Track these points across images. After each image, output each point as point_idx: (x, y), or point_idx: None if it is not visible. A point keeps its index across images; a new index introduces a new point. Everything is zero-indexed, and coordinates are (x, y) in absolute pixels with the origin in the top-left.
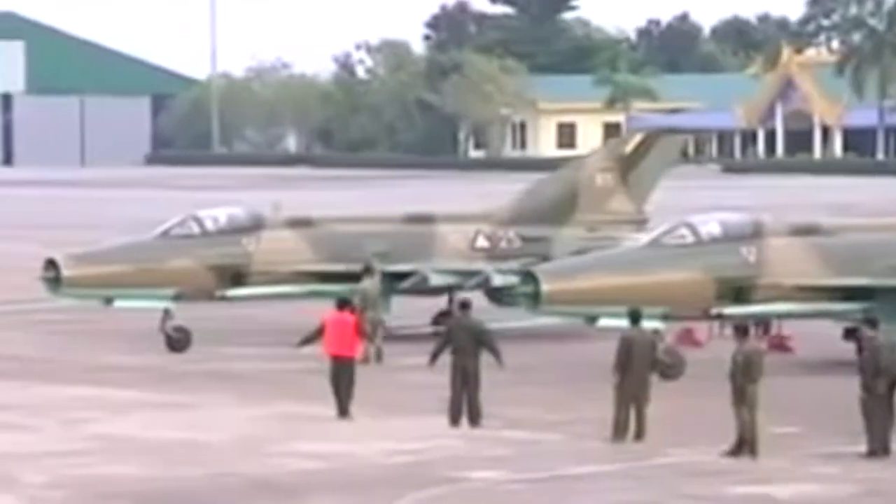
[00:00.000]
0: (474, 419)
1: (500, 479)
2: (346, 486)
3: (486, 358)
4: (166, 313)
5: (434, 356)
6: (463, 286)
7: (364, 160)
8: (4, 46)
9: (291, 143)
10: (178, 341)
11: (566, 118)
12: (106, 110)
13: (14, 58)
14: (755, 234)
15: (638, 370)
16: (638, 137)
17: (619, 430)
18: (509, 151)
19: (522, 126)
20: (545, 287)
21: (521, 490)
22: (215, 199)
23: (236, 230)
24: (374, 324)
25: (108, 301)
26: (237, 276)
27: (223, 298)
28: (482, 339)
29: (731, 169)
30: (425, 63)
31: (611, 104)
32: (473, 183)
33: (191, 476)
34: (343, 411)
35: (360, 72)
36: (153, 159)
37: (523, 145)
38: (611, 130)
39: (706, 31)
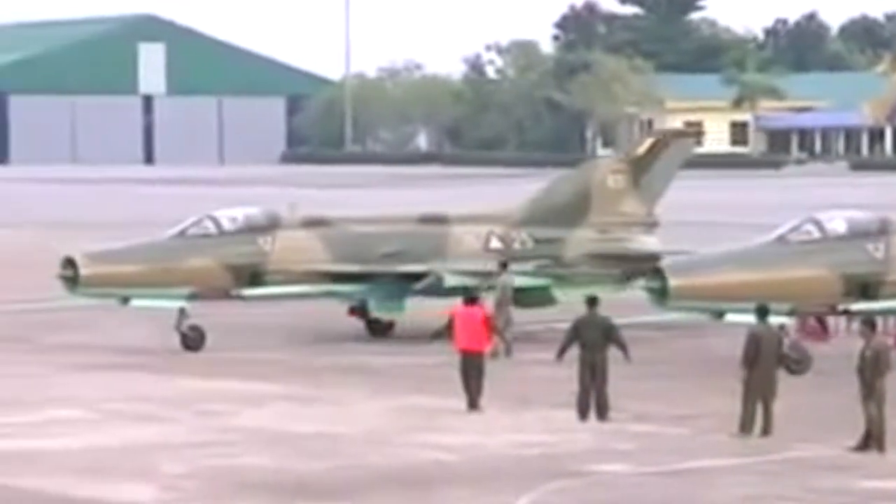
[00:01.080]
0: (602, 413)
1: (627, 473)
2: (476, 479)
3: (613, 352)
4: (182, 312)
5: (562, 351)
6: (479, 287)
7: (493, 158)
8: (146, 49)
9: (422, 142)
10: (192, 340)
11: (693, 117)
12: (243, 110)
13: (155, 60)
14: (882, 231)
15: (765, 365)
16: (650, 140)
17: (745, 425)
18: None
19: (650, 124)
20: (673, 283)
21: (647, 483)
22: (347, 196)
23: (252, 230)
24: (508, 318)
25: (125, 300)
26: (254, 276)
27: (239, 298)
28: (610, 334)
29: (858, 166)
30: (554, 63)
31: (738, 103)
32: None
33: (323, 468)
34: (473, 404)
35: (490, 72)
36: (288, 158)
37: None
38: (738, 129)
39: (834, 30)
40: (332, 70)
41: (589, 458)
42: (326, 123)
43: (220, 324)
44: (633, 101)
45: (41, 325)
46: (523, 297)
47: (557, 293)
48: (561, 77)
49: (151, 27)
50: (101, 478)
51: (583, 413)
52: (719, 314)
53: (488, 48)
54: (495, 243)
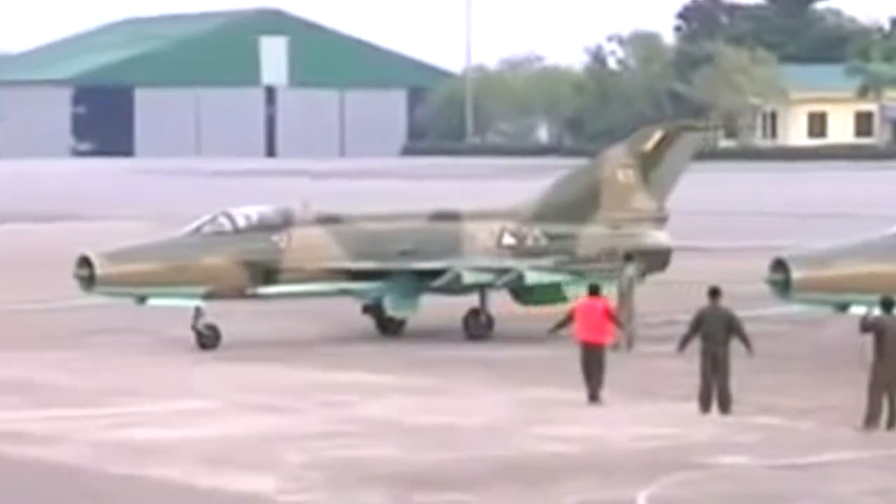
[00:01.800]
0: (724, 405)
1: (749, 465)
2: (597, 470)
3: (735, 345)
4: (197, 311)
5: (684, 343)
6: (495, 284)
7: None
8: (269, 42)
9: (543, 134)
10: (207, 338)
11: (817, 107)
12: (364, 103)
13: (278, 53)
14: None
15: (891, 358)
16: (658, 134)
17: (871, 418)
18: (759, 141)
19: (773, 115)
20: (796, 275)
21: (770, 476)
22: (468, 188)
23: (267, 227)
24: (631, 310)
25: (141, 300)
26: (269, 274)
27: (254, 296)
28: (732, 326)
29: None
30: (675, 54)
31: (863, 93)
32: (723, 172)
33: (445, 459)
34: (594, 396)
35: (612, 63)
36: (409, 150)
37: (774, 134)
38: (862, 120)
39: None
40: (453, 62)
41: (711, 450)
42: (447, 116)
43: (328, 316)
44: (757, 93)
45: (162, 318)
46: (533, 295)
47: (568, 290)
48: (683, 68)
49: (274, 20)
50: (225, 468)
51: (705, 405)
52: (843, 306)
53: (610, 39)
54: (508, 239)
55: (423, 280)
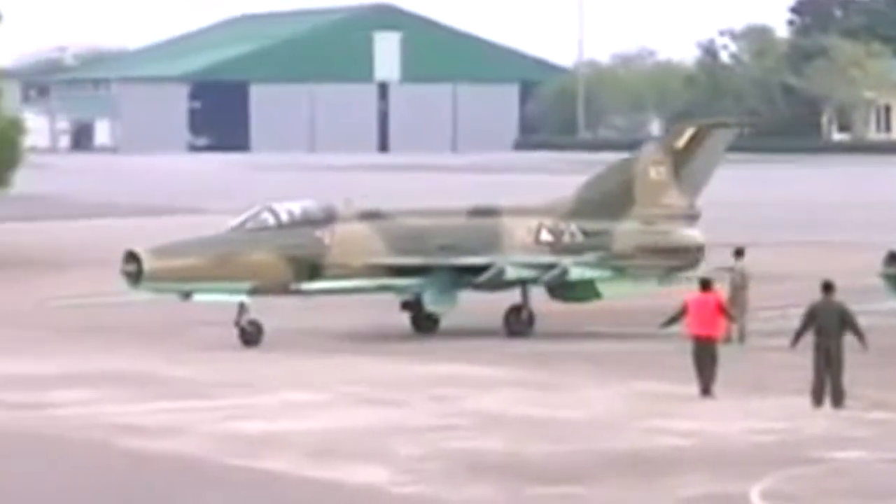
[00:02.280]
0: (837, 400)
1: (864, 460)
2: (709, 464)
3: (849, 339)
4: (242, 307)
5: (797, 337)
6: (538, 280)
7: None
8: (382, 37)
9: (655, 128)
10: (250, 335)
11: None
12: (476, 98)
13: (391, 48)
14: None
15: None
16: (690, 131)
17: None
18: (873, 134)
19: (887, 109)
20: None
21: (885, 471)
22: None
23: (310, 222)
24: (743, 304)
25: (187, 295)
26: (313, 269)
27: (298, 292)
28: (846, 321)
29: None
30: (789, 47)
31: None
32: (837, 166)
33: (555, 452)
34: (706, 390)
35: (724, 57)
36: (520, 145)
37: (888, 128)
38: None
39: None
40: (565, 57)
41: (824, 445)
42: (559, 111)
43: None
44: (871, 86)
45: (268, 311)
46: (570, 291)
47: (602, 288)
48: (796, 62)
49: (387, 16)
50: (337, 460)
51: (818, 400)
52: None
53: (722, 33)
54: (546, 236)
55: (464, 276)
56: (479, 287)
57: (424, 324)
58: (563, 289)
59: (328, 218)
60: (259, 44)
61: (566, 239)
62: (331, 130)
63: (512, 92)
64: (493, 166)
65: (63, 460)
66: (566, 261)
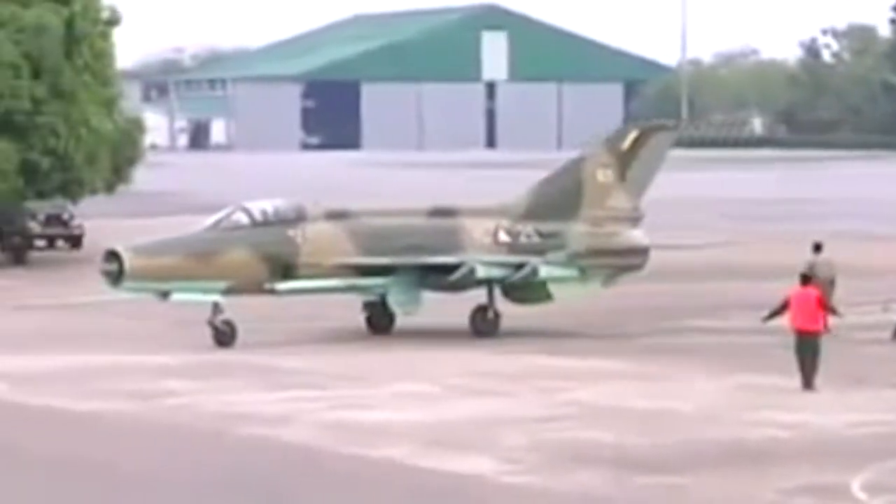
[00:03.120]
0: None
1: None
2: (811, 456)
3: None
4: (216, 306)
5: None
6: (510, 278)
7: (827, 142)
8: (489, 37)
9: (757, 126)
10: (224, 334)
11: None
12: (581, 96)
13: (498, 48)
14: None
15: None
16: (633, 133)
17: None
18: None
19: None
20: None
21: None
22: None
23: (282, 222)
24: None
25: (165, 295)
26: (286, 269)
27: (272, 292)
28: None
29: None
30: (890, 46)
31: None
32: None
33: (662, 443)
34: (808, 384)
35: (826, 56)
36: None
37: None
38: None
39: None
40: (668, 56)
41: None
42: (662, 109)
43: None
44: None
45: (351, 305)
46: (523, 292)
47: (552, 289)
48: None
49: (494, 16)
50: (445, 449)
51: None
52: None
53: (825, 32)
54: (503, 237)
55: (428, 276)
56: (448, 287)
57: (380, 323)
58: (518, 290)
59: (298, 217)
60: (371, 44)
61: (523, 240)
62: (439, 129)
63: (616, 91)
64: None
65: (178, 448)
66: (535, 260)
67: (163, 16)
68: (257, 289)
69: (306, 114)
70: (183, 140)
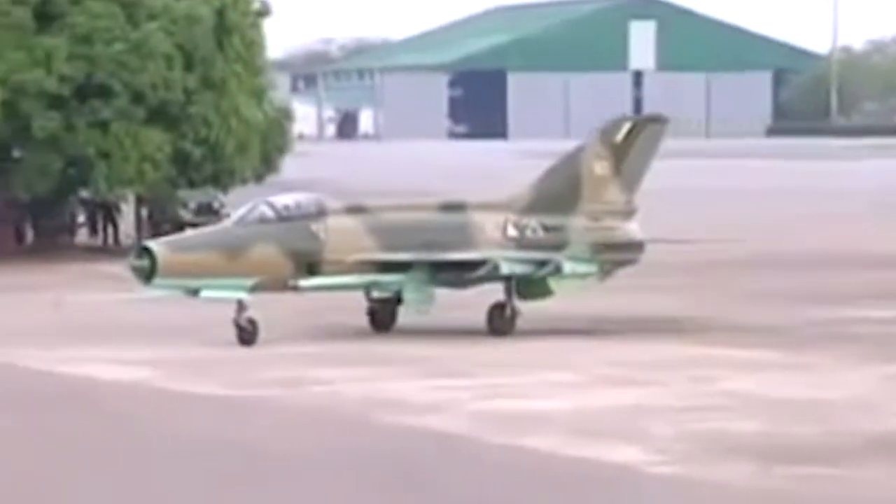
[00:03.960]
0: None
1: None
2: None
3: None
4: (241, 304)
5: None
6: (535, 275)
7: None
8: (637, 26)
9: None
10: (247, 332)
11: None
12: (729, 85)
13: (646, 37)
14: None
15: None
16: (627, 125)
17: None
18: None
19: None
20: None
21: None
22: (831, 169)
23: (305, 216)
24: None
25: (195, 292)
26: (311, 265)
27: (295, 289)
28: None
29: None
30: None
31: None
32: None
33: (811, 433)
34: None
35: None
36: (774, 131)
37: None
38: None
39: None
40: (818, 44)
41: None
42: (812, 97)
43: (693, 293)
44: None
45: (493, 294)
46: (529, 288)
47: (553, 284)
48: None
49: (642, 5)
50: (591, 439)
51: None
52: None
53: None
54: (512, 231)
55: (441, 272)
56: (461, 284)
57: (385, 320)
58: (521, 285)
59: (320, 212)
60: (517, 33)
61: (529, 234)
62: (586, 118)
63: (765, 80)
64: (744, 152)
65: (325, 435)
66: (558, 256)
67: (311, 7)
68: (282, 286)
69: (453, 103)
70: (331, 130)
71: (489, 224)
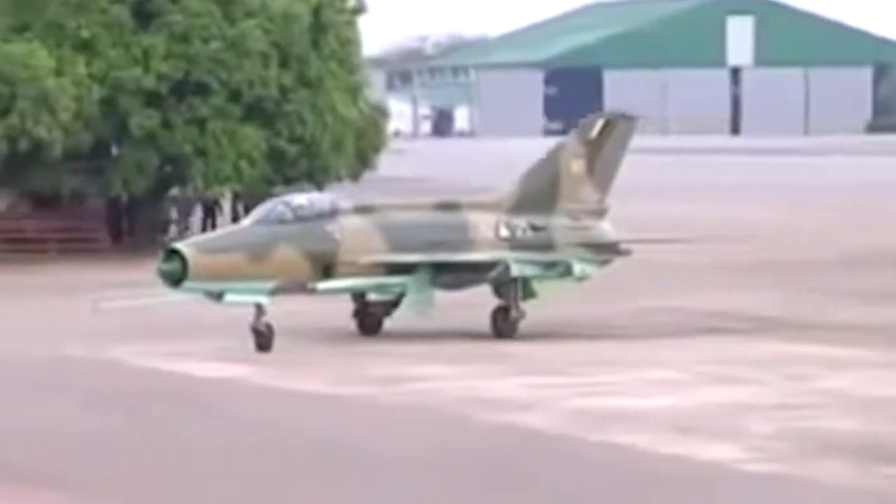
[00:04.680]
0: None
1: None
2: None
3: None
4: (259, 308)
5: None
6: (545, 277)
7: None
8: (735, 22)
9: None
10: (264, 337)
11: None
12: (828, 81)
13: (744, 33)
14: None
15: None
16: (600, 122)
17: None
18: None
19: None
20: None
21: None
22: None
23: (319, 216)
24: None
25: (219, 296)
26: (327, 267)
27: (313, 291)
28: None
29: None
30: None
31: None
32: None
33: None
34: None
35: None
36: (874, 127)
37: None
38: None
39: None
40: None
41: None
42: None
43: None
44: None
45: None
46: (510, 290)
47: (537, 287)
48: None
49: (740, 1)
50: (690, 436)
51: None
52: None
53: None
54: (504, 231)
55: (441, 274)
56: (457, 285)
57: (373, 323)
58: (507, 286)
59: (333, 211)
60: (612, 30)
61: (519, 234)
62: (683, 115)
63: (865, 75)
64: (843, 148)
65: (424, 432)
66: (566, 257)
67: (407, 4)
68: (300, 288)
69: (548, 100)
70: (426, 127)
71: (483, 224)
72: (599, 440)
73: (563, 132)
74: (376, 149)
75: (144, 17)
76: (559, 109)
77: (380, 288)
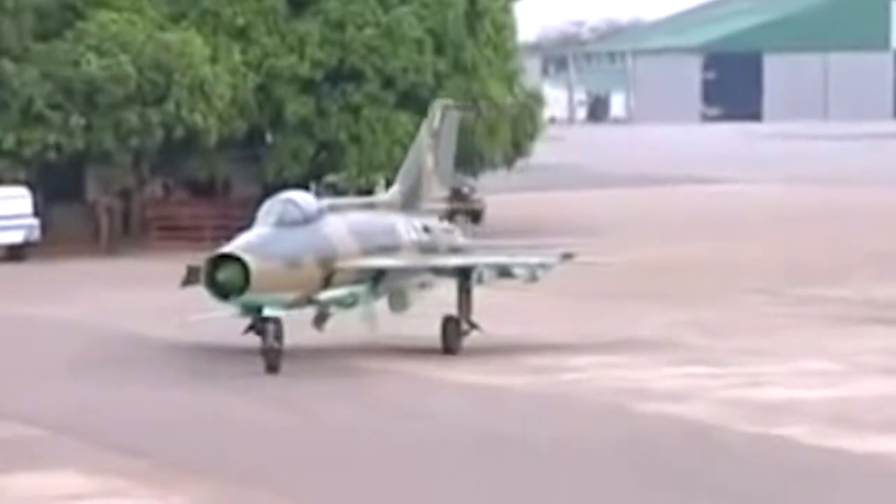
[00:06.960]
0: None
1: None
2: None
3: None
4: (277, 324)
5: None
6: (530, 279)
7: None
8: None
9: None
10: (277, 356)
11: None
12: None
13: None
14: None
15: None
16: (438, 112)
17: None
18: None
19: None
20: None
21: None
22: None
23: (319, 215)
24: None
25: (258, 310)
26: (329, 275)
27: (316, 303)
28: None
29: None
30: None
31: None
32: None
33: None
34: None
35: None
36: None
37: None
38: None
39: None
40: None
41: None
42: None
43: None
44: None
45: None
46: (399, 299)
47: (412, 297)
48: None
49: None
50: (850, 429)
51: None
52: None
53: None
54: (413, 234)
55: (382, 282)
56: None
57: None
58: (397, 296)
59: (320, 211)
60: (773, 14)
61: (424, 237)
62: (844, 99)
63: None
64: None
65: (581, 423)
66: (533, 260)
67: None
68: (307, 300)
69: (706, 85)
70: (581, 113)
71: (400, 226)
72: (754, 432)
73: (722, 117)
74: (531, 136)
75: (299, 4)
76: (718, 95)
77: (354, 298)
